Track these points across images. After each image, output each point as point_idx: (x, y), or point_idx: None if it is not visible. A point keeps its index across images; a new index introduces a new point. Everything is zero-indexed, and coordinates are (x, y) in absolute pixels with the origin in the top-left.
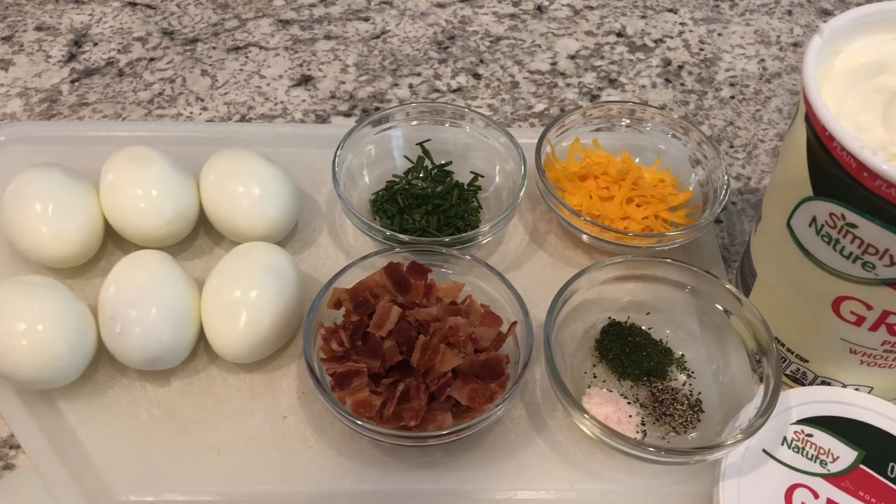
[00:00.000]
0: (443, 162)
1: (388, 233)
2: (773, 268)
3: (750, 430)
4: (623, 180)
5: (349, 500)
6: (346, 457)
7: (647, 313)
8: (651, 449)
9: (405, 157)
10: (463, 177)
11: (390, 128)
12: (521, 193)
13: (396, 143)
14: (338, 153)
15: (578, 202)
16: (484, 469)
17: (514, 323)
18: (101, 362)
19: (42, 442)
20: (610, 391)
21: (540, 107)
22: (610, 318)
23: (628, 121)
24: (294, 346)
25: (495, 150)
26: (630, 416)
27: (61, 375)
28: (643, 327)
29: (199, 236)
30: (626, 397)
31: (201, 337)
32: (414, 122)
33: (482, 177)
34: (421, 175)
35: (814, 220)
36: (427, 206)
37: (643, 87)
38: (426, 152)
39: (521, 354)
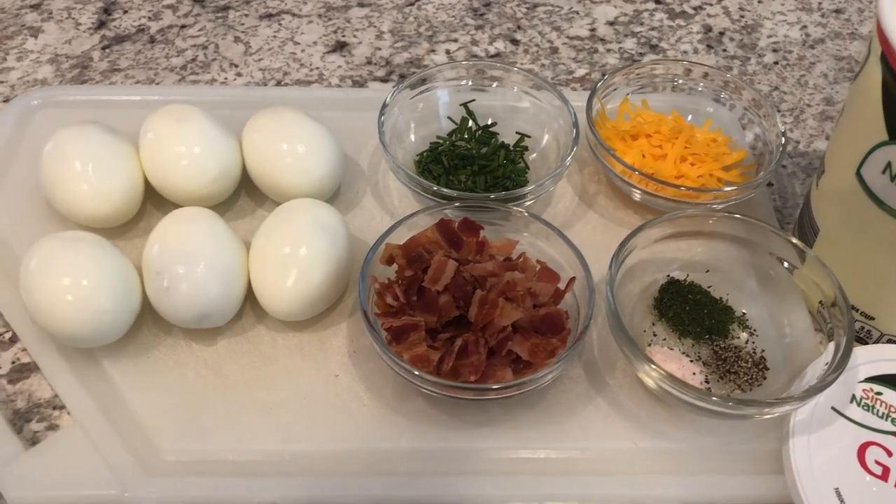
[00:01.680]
0: (488, 123)
1: (436, 188)
2: (839, 221)
3: (822, 385)
4: (676, 139)
5: (406, 458)
6: (401, 415)
7: (707, 271)
8: (716, 399)
9: (449, 118)
10: (508, 139)
11: (434, 88)
12: (573, 150)
13: (441, 104)
14: (383, 111)
15: (631, 161)
16: (545, 428)
17: (573, 278)
18: (145, 322)
19: (87, 402)
20: (671, 349)
21: (581, 72)
22: (669, 276)
23: (677, 81)
24: (343, 306)
25: (542, 111)
26: (693, 373)
27: (107, 332)
28: (703, 285)
29: (241, 197)
30: (687, 355)
31: (248, 297)
32: (459, 82)
33: (529, 137)
34: (465, 136)
35: (888, 166)
36: (473, 166)
37: (685, 52)
38: (470, 113)
39: (580, 309)
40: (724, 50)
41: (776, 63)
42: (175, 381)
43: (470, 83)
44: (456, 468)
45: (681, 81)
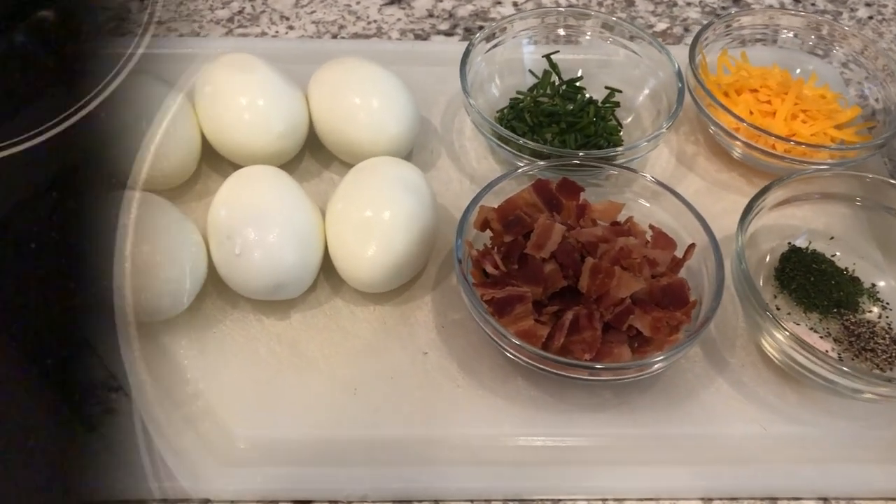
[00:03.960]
0: (574, 77)
1: (522, 141)
2: None
3: None
4: (785, 94)
5: (510, 445)
6: (500, 397)
7: (831, 238)
8: (856, 374)
9: (530, 71)
10: (595, 95)
11: (515, 38)
12: (679, 107)
13: (524, 55)
14: (465, 59)
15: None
16: (663, 412)
17: (693, 245)
18: (208, 294)
19: (147, 382)
20: (797, 325)
21: (661, 26)
22: (790, 244)
23: (784, 34)
24: (425, 278)
25: (636, 65)
26: (825, 351)
27: (170, 303)
28: (826, 254)
29: (305, 158)
30: (816, 331)
31: (321, 267)
32: (544, 33)
33: (620, 91)
34: (548, 91)
35: None
36: (560, 124)
37: (770, 6)
38: (554, 66)
39: (707, 277)
40: (813, 4)
41: (870, 18)
42: (246, 358)
43: (562, 32)
44: (566, 457)
45: (788, 35)
